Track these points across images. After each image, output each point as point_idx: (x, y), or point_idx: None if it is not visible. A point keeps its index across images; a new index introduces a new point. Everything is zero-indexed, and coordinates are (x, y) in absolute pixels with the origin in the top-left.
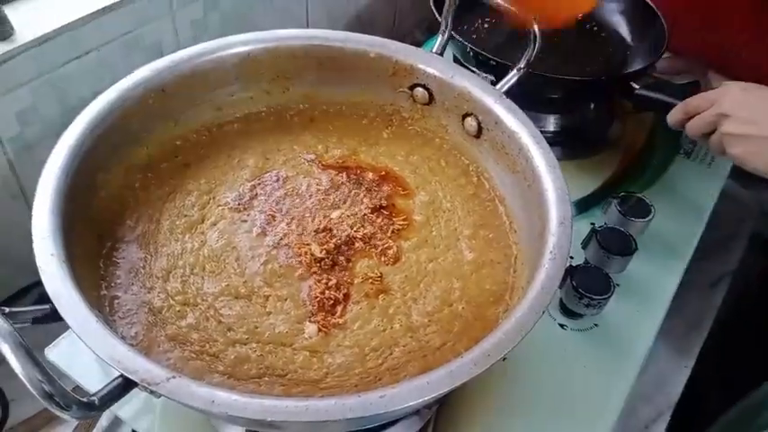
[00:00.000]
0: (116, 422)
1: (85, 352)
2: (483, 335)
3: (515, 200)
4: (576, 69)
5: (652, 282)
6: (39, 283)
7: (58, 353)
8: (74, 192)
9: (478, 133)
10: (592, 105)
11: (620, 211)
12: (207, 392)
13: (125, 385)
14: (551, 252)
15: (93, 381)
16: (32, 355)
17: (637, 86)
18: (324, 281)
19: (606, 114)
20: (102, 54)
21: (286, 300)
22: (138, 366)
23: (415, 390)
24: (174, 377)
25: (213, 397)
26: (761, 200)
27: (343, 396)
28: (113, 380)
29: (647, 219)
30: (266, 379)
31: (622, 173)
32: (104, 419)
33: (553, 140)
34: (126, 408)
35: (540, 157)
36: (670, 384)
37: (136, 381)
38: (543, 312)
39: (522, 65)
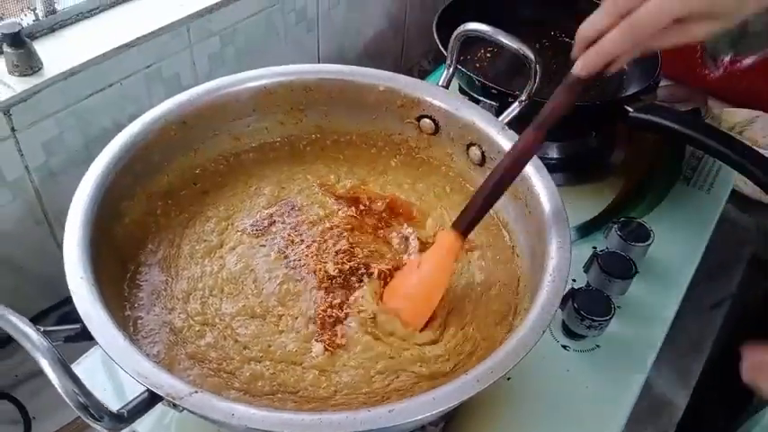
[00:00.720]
0: None
1: (104, 372)
2: (488, 354)
3: (518, 225)
4: None
5: (652, 304)
6: (60, 305)
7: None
8: (100, 220)
9: (482, 162)
10: (594, 133)
11: (620, 236)
12: (227, 407)
13: (151, 399)
14: (551, 275)
15: (112, 399)
16: (69, 369)
17: (631, 110)
18: (330, 298)
19: (607, 141)
20: (124, 87)
21: (297, 318)
22: (164, 382)
23: (422, 405)
24: (196, 392)
25: (233, 410)
26: (760, 224)
27: (354, 410)
28: (140, 394)
29: (646, 243)
30: (279, 395)
31: (623, 198)
32: None
33: (555, 167)
34: (143, 422)
35: (541, 185)
36: (672, 405)
37: (161, 395)
38: (543, 332)
39: (523, 97)
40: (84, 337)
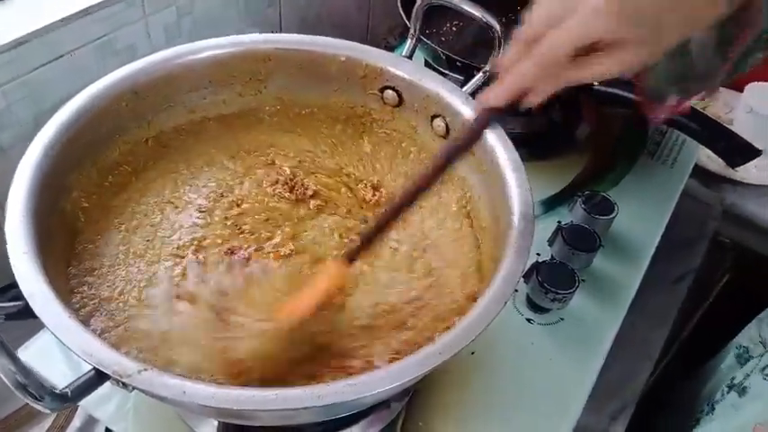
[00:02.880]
0: (90, 422)
1: (54, 355)
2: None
3: (482, 198)
4: None
5: (616, 277)
6: (12, 285)
7: (30, 354)
8: (45, 193)
9: (446, 133)
10: (557, 107)
11: (584, 209)
12: (178, 383)
13: (97, 378)
14: (514, 245)
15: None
16: (6, 347)
17: (595, 83)
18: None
19: (572, 116)
20: (75, 58)
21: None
22: (110, 359)
23: (383, 378)
24: (145, 369)
25: (184, 387)
26: (722, 199)
27: (313, 385)
28: (86, 373)
29: (611, 216)
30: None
31: (588, 173)
32: (78, 420)
33: (519, 141)
34: (102, 408)
35: (505, 157)
36: (635, 377)
37: (108, 373)
38: (506, 303)
39: (488, 67)
40: (27, 315)
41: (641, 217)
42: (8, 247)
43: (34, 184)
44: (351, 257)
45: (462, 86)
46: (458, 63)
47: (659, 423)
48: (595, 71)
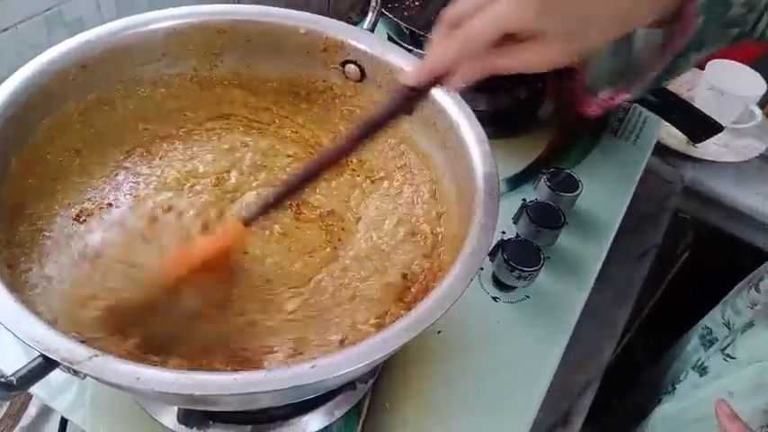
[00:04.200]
0: (45, 410)
1: (6, 340)
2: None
3: (446, 175)
4: None
5: (580, 254)
6: None
7: None
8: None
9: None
10: (522, 85)
11: (549, 186)
12: (131, 370)
13: (45, 365)
14: (479, 222)
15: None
16: None
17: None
18: None
19: (536, 94)
20: (20, 32)
21: None
22: (59, 345)
23: (347, 359)
24: (96, 356)
25: (138, 374)
26: (683, 176)
27: (273, 369)
28: (33, 359)
29: (575, 193)
30: None
31: (552, 150)
32: (33, 408)
33: (484, 119)
34: (60, 398)
35: (470, 133)
36: (599, 353)
37: (57, 360)
38: (471, 279)
39: None
40: None
41: (605, 194)
42: None
43: None
44: (247, 221)
45: None
46: (421, 38)
47: (625, 401)
48: (519, 62)
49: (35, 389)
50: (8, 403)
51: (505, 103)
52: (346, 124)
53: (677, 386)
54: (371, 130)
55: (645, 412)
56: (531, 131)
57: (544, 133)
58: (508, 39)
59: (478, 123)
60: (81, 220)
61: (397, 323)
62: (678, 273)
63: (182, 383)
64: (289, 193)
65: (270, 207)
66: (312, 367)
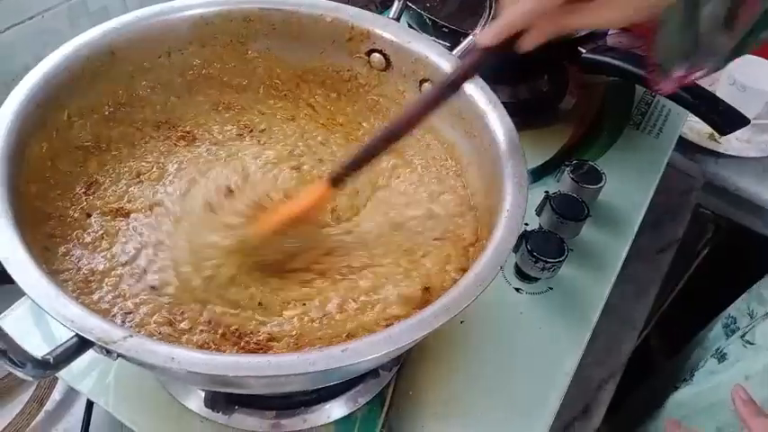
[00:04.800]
0: (70, 395)
1: (28, 328)
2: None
3: (472, 165)
4: None
5: (603, 247)
6: None
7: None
8: (20, 156)
9: None
10: (545, 76)
11: (572, 178)
12: (166, 350)
13: (80, 345)
14: (507, 211)
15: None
16: None
17: (584, 51)
18: None
19: (559, 86)
20: (45, 20)
21: None
22: (93, 325)
23: (376, 344)
24: (131, 336)
25: (173, 354)
26: (705, 171)
27: (305, 351)
28: (68, 339)
29: (598, 185)
30: None
31: (574, 143)
32: (58, 393)
33: (507, 111)
34: (84, 381)
35: (497, 122)
36: (620, 347)
37: (92, 340)
38: (501, 268)
39: (477, 31)
40: (3, 280)
41: (627, 187)
42: None
43: (6, 148)
44: (335, 182)
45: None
46: (444, 29)
47: (642, 391)
48: (593, 19)
49: (60, 372)
50: (33, 387)
51: (527, 95)
52: (371, 114)
53: (695, 373)
54: (442, 93)
55: (661, 402)
56: (552, 123)
57: (566, 126)
58: None
59: (505, 112)
60: (123, 211)
61: (426, 311)
62: (698, 268)
63: (215, 364)
64: (371, 155)
65: (356, 167)
66: (343, 351)
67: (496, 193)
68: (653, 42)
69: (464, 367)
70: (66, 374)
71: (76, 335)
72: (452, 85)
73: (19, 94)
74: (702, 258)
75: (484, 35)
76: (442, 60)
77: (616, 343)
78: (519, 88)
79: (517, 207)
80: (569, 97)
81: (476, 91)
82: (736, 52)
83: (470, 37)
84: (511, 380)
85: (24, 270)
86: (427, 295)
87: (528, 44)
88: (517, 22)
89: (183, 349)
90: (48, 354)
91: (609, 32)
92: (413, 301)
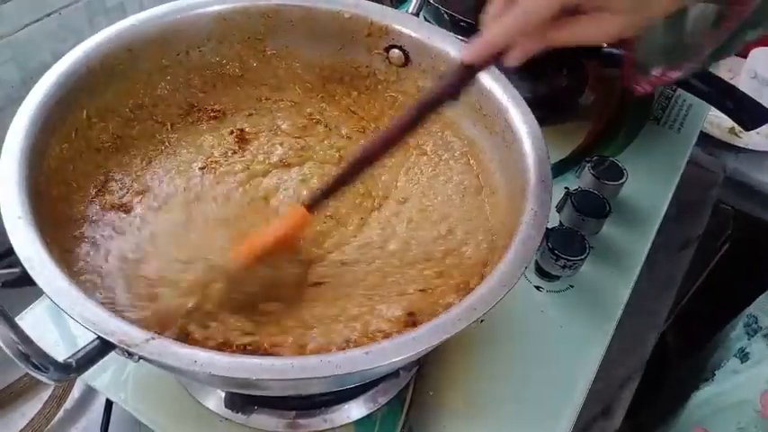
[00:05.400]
0: (88, 393)
1: (48, 328)
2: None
3: (494, 162)
4: None
5: (625, 244)
6: (8, 253)
7: (26, 324)
8: (39, 156)
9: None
10: (564, 71)
11: (593, 174)
12: (189, 353)
13: (102, 348)
14: (532, 209)
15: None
16: (8, 315)
17: (604, 45)
18: None
19: (578, 81)
20: (63, 17)
21: None
22: (115, 328)
23: (402, 345)
24: (153, 338)
25: (195, 357)
26: (725, 167)
27: (329, 353)
28: (90, 342)
29: (620, 182)
30: None
31: (594, 138)
32: (77, 391)
33: None
34: (100, 378)
35: (519, 118)
36: (641, 345)
37: (114, 342)
38: (527, 267)
39: None
40: (25, 282)
41: (648, 183)
42: (2, 212)
43: (26, 148)
44: (312, 205)
45: None
46: (462, 24)
47: (662, 390)
48: (578, 35)
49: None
50: (52, 386)
51: (546, 91)
52: (390, 111)
53: (717, 373)
54: (422, 113)
55: (683, 402)
56: (571, 119)
57: (585, 121)
58: (566, 12)
59: (527, 107)
60: (126, 207)
61: (451, 311)
62: (717, 264)
63: (238, 367)
64: (348, 178)
65: (331, 192)
66: (367, 353)
67: (519, 192)
68: (635, 41)
69: (484, 367)
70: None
71: (98, 337)
72: (431, 106)
73: (37, 93)
74: (722, 254)
75: (465, 53)
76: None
77: (637, 341)
78: (537, 83)
79: (542, 206)
80: (588, 92)
81: (497, 87)
82: (719, 54)
83: None
84: (532, 379)
85: (46, 272)
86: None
87: (513, 60)
88: (498, 42)
89: (206, 352)
90: (70, 357)
91: None
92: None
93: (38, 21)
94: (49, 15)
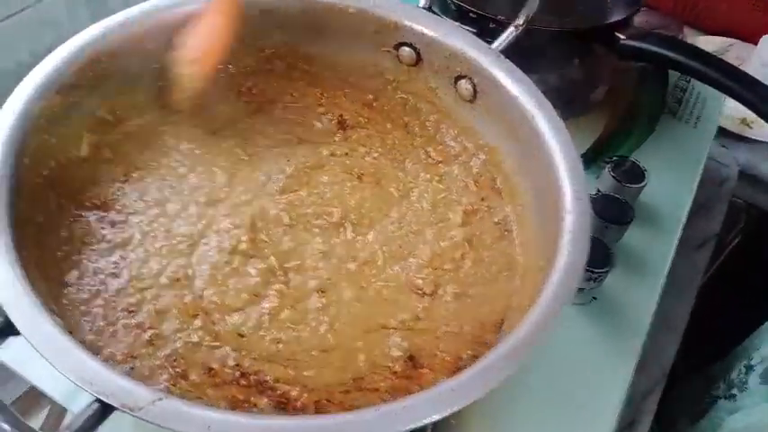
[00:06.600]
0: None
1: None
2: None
3: (518, 173)
4: (555, 21)
5: (647, 250)
6: None
7: (11, 353)
8: (20, 175)
9: (473, 97)
10: (576, 61)
11: (614, 177)
12: (202, 415)
13: (103, 411)
14: (570, 232)
15: (50, 382)
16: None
17: (622, 37)
18: None
19: (589, 75)
20: (39, 10)
21: None
22: (115, 387)
23: (440, 398)
24: (160, 399)
25: (210, 421)
26: (739, 160)
27: (361, 410)
28: (89, 405)
29: (641, 184)
30: None
31: (608, 135)
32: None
33: None
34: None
35: (546, 124)
36: (663, 351)
37: (115, 405)
38: (569, 302)
39: (520, 21)
40: (8, 333)
41: (668, 183)
42: None
43: (7, 156)
44: None
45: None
46: (471, 14)
47: (680, 401)
48: None
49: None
50: (46, 414)
51: (557, 83)
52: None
53: (736, 393)
54: None
55: (702, 412)
56: (583, 114)
57: (598, 116)
58: None
59: (553, 109)
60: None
61: (490, 355)
62: (727, 259)
63: (256, 430)
64: None
65: None
66: (403, 408)
67: (553, 211)
68: None
69: (509, 388)
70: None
71: (97, 399)
72: None
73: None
74: (732, 248)
75: None
76: (481, 55)
77: (658, 348)
78: (547, 76)
79: (581, 227)
80: (600, 86)
81: (520, 90)
82: None
83: (511, 28)
84: (559, 397)
85: (32, 320)
86: None
87: None
88: None
89: (223, 414)
90: (66, 427)
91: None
92: None
93: (13, 15)
94: (23, 10)
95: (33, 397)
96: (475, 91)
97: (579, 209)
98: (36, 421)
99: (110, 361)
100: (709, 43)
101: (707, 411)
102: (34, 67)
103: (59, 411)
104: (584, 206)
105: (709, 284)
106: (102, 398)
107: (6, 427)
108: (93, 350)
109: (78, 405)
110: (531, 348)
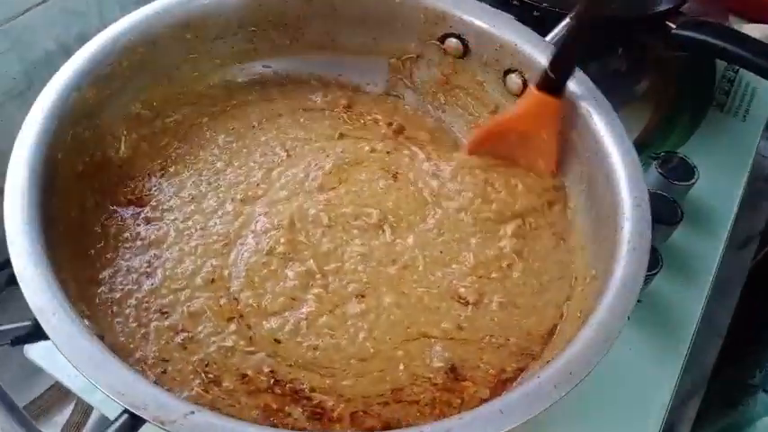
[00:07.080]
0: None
1: None
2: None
3: (571, 176)
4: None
5: (694, 251)
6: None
7: (36, 349)
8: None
9: (522, 92)
10: (620, 51)
11: (661, 174)
12: (235, 430)
13: (133, 424)
14: (629, 242)
15: (76, 378)
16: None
17: (673, 26)
18: None
19: (635, 65)
20: (66, 1)
21: None
22: (148, 399)
23: (485, 421)
24: (192, 412)
25: None
26: None
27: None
28: (118, 416)
29: (690, 182)
30: None
31: (653, 129)
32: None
33: None
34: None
35: (604, 124)
36: (704, 355)
37: (147, 418)
38: (628, 318)
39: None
40: (38, 337)
41: (716, 180)
42: (10, 251)
43: (36, 171)
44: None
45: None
46: (514, 2)
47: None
48: None
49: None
50: (71, 410)
51: (599, 74)
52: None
53: None
54: None
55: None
56: (627, 106)
57: (642, 109)
58: None
59: (612, 110)
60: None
61: (540, 375)
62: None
63: None
64: None
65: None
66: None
67: (611, 218)
68: None
69: None
70: (103, 405)
71: (126, 410)
72: None
73: (54, 86)
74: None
75: None
76: (535, 49)
77: (698, 352)
78: (589, 66)
79: (641, 237)
80: (645, 78)
81: (576, 86)
82: None
83: (567, 19)
84: (604, 399)
85: (63, 327)
86: None
87: None
88: None
89: (256, 428)
90: None
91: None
92: None
93: (40, 4)
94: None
95: (59, 392)
96: (525, 85)
97: (638, 216)
98: (61, 417)
99: (141, 365)
100: (755, 30)
101: (741, 400)
102: (63, 56)
103: (85, 408)
104: (643, 213)
105: (749, 283)
106: (133, 410)
107: (19, 429)
108: (125, 353)
109: (103, 400)
110: (589, 367)
